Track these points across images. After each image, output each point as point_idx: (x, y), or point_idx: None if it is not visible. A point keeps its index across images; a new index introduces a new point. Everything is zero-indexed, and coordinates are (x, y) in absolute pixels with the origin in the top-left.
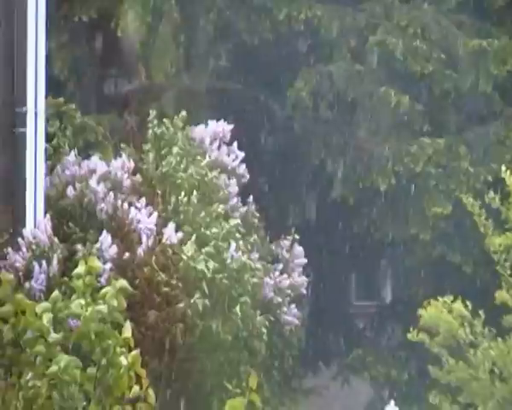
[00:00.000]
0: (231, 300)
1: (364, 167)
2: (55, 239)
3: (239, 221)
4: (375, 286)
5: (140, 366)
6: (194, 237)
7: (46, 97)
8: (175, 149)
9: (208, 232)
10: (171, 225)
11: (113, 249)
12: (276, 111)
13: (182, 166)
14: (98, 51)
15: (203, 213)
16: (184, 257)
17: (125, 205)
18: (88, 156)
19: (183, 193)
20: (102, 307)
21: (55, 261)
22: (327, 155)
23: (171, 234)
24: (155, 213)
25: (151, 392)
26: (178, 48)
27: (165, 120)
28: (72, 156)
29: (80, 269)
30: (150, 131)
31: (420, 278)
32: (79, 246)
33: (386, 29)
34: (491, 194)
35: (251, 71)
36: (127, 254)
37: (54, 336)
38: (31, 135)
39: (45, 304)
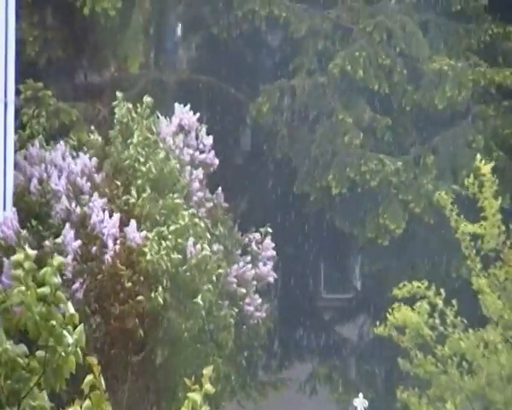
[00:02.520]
0: (193, 291)
1: (323, 169)
2: (24, 232)
3: (194, 211)
4: (345, 279)
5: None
6: (153, 233)
7: (19, 83)
8: (135, 139)
9: (165, 229)
10: (133, 224)
11: (77, 243)
12: (244, 103)
13: (141, 158)
14: (70, 39)
15: (160, 207)
16: (146, 253)
17: (87, 210)
18: (62, 138)
19: (140, 186)
20: (44, 289)
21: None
22: (291, 150)
23: (134, 234)
24: (117, 216)
25: (102, 380)
26: (149, 39)
27: (129, 105)
28: (35, 149)
29: (18, 257)
30: (116, 117)
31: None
32: (47, 242)
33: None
34: (471, 178)
35: (220, 63)
36: (92, 253)
37: None
38: (0, 126)
39: None
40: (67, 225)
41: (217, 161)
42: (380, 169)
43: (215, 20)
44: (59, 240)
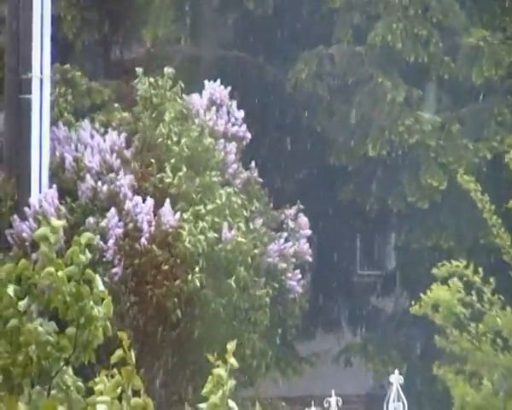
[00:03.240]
0: (228, 272)
1: (361, 135)
2: (63, 209)
3: (231, 190)
4: (379, 255)
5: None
6: (189, 214)
7: (53, 63)
8: (167, 117)
9: (202, 207)
10: (168, 205)
11: (120, 230)
12: (280, 80)
13: (174, 137)
14: (105, 17)
15: (196, 186)
16: (183, 236)
17: (114, 188)
18: (92, 120)
19: (174, 165)
20: (72, 268)
21: (61, 233)
22: (328, 122)
23: (168, 216)
24: (151, 201)
25: (132, 354)
26: (183, 15)
27: (151, 79)
28: (61, 129)
29: (44, 230)
30: (138, 93)
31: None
32: (91, 219)
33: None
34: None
35: (255, 40)
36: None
37: (22, 304)
38: (36, 102)
39: (8, 267)
40: (113, 209)
41: (249, 135)
42: (417, 128)
43: None
44: (103, 223)
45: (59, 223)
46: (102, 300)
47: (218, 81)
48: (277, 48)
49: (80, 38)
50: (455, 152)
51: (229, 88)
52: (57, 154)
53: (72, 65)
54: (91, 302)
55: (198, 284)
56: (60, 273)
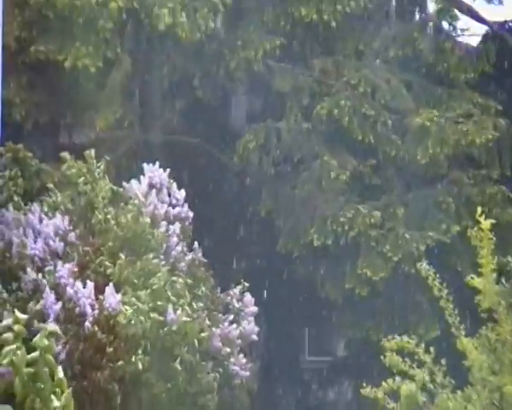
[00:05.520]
0: (174, 355)
1: (306, 223)
2: (5, 295)
3: (172, 270)
4: (327, 341)
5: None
6: (131, 296)
7: (3, 144)
8: (100, 202)
9: (144, 291)
10: (110, 288)
11: (58, 306)
12: (226, 164)
13: (112, 220)
14: (55, 101)
15: (138, 270)
16: (123, 319)
17: (63, 280)
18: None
19: (114, 248)
20: (34, 354)
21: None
22: (273, 208)
23: (111, 299)
24: (91, 285)
25: None
26: (132, 99)
27: (78, 163)
28: (10, 212)
29: (7, 321)
30: (67, 177)
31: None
32: (31, 304)
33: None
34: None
35: (204, 124)
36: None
37: None
38: None
39: None
40: (47, 288)
41: (191, 214)
42: (358, 220)
43: (199, 82)
44: (39, 306)
45: (23, 316)
46: (62, 391)
47: (157, 164)
48: (226, 133)
49: (29, 120)
50: (395, 242)
51: (168, 170)
52: (5, 238)
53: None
54: (50, 389)
55: (141, 366)
56: (20, 353)
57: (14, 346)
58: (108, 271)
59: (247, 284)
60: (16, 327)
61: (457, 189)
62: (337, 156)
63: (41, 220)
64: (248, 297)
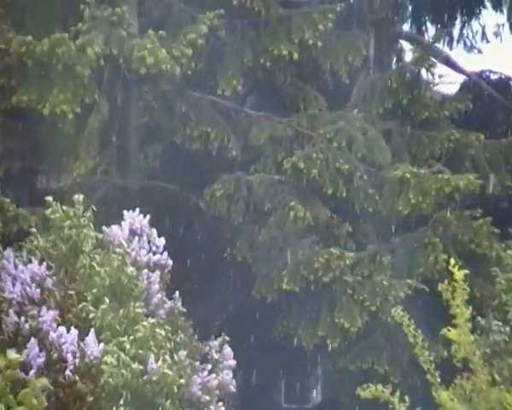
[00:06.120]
0: (154, 405)
1: (279, 268)
2: None
3: (155, 321)
4: (303, 388)
5: None
6: (112, 345)
7: None
8: (86, 247)
9: (126, 339)
10: (92, 335)
11: (41, 360)
12: (203, 210)
13: (96, 266)
14: (30, 146)
15: (120, 317)
16: (105, 366)
17: (45, 326)
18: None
19: (97, 295)
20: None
21: None
22: (248, 254)
23: (92, 347)
24: (75, 331)
25: None
26: (109, 144)
27: (64, 208)
28: None
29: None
30: (52, 222)
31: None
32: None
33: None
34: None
35: (181, 171)
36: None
37: None
38: None
39: None
40: (33, 339)
41: (170, 262)
42: (333, 265)
43: (176, 130)
44: (22, 357)
45: (15, 356)
46: None
47: (137, 210)
48: (202, 179)
49: (3, 165)
50: (371, 289)
51: (148, 217)
52: None
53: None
54: None
55: None
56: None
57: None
58: (91, 315)
59: (227, 338)
60: (8, 372)
61: (442, 228)
62: (309, 207)
63: (16, 266)
64: (228, 350)
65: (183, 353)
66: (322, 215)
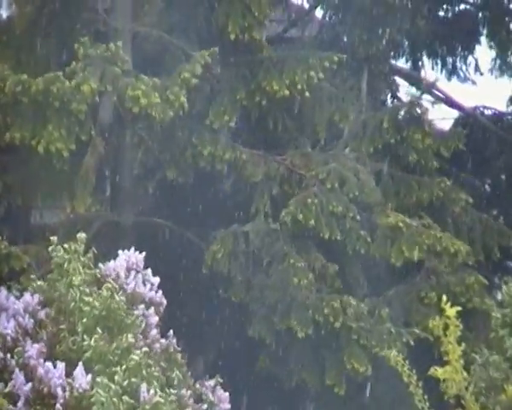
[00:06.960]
0: None
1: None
2: None
3: (146, 349)
4: None
5: None
6: (103, 376)
7: None
8: (76, 281)
9: (118, 369)
10: (80, 368)
11: (28, 387)
12: (198, 247)
13: (86, 297)
14: (25, 179)
15: (113, 348)
16: (97, 399)
17: (32, 361)
18: (9, 288)
19: (87, 325)
20: None
21: None
22: (247, 294)
23: (81, 380)
24: (62, 365)
25: None
26: (104, 181)
27: (65, 246)
28: None
29: None
30: (53, 260)
31: None
32: None
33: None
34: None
35: (176, 207)
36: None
37: None
38: None
39: None
40: (17, 369)
41: (165, 301)
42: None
43: (171, 165)
44: (9, 388)
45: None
46: None
47: (133, 249)
48: (195, 215)
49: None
50: (378, 336)
51: (143, 253)
52: None
53: None
54: None
55: None
56: None
57: None
58: (84, 344)
59: (220, 380)
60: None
61: (435, 278)
62: (305, 255)
63: (7, 299)
64: (225, 394)
65: (177, 389)
66: (318, 263)
